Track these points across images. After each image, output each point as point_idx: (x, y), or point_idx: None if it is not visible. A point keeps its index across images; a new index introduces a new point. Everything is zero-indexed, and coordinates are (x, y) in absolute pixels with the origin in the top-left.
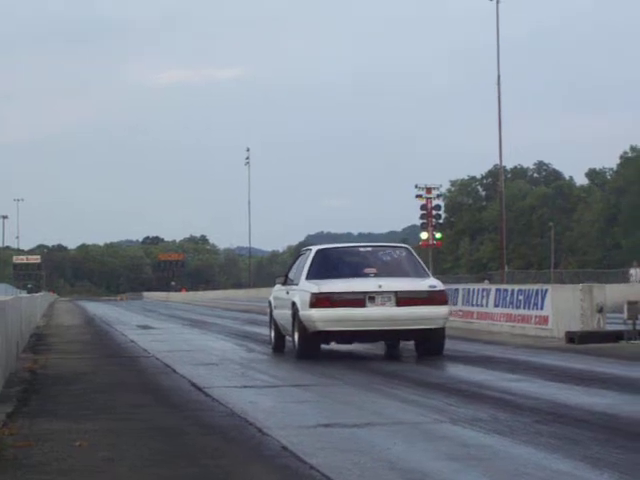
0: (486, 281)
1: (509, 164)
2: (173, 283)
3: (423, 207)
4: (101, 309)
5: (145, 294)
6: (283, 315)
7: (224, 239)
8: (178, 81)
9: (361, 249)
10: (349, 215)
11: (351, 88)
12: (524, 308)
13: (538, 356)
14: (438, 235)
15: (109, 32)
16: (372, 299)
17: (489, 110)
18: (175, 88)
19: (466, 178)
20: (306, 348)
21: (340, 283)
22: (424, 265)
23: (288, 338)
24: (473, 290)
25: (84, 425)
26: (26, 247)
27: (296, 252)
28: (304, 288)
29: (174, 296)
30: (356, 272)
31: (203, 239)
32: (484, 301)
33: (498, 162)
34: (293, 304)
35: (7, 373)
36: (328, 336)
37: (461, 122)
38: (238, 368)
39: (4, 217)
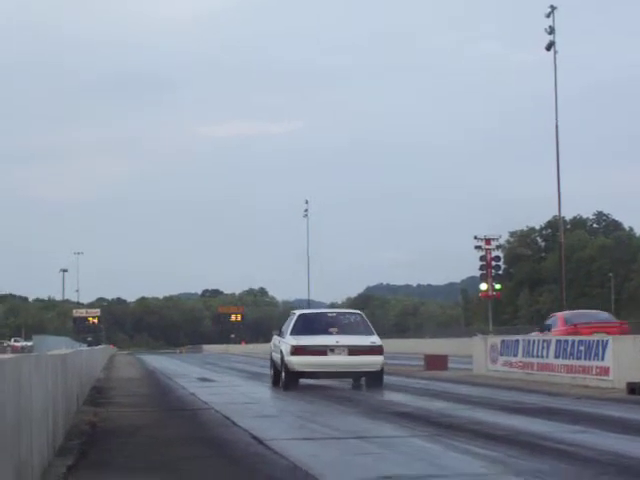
0: (546, 332)
1: (568, 215)
2: (232, 335)
3: (482, 258)
4: (161, 362)
5: (205, 347)
6: (277, 358)
7: (283, 291)
8: (236, 134)
9: (328, 314)
10: (408, 266)
11: (407, 141)
12: (585, 359)
13: (599, 407)
14: (497, 286)
15: (166, 86)
16: (332, 350)
17: (548, 160)
18: (232, 141)
19: (525, 229)
20: (288, 382)
21: (311, 339)
22: (371, 326)
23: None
24: (533, 341)
25: (143, 478)
26: (86, 300)
27: (351, 304)
28: (288, 341)
29: (233, 348)
30: (324, 330)
31: (262, 291)
32: (544, 352)
33: (557, 213)
34: (281, 351)
35: (68, 426)
36: (303, 374)
37: (519, 172)
38: (298, 420)
39: (64, 270)
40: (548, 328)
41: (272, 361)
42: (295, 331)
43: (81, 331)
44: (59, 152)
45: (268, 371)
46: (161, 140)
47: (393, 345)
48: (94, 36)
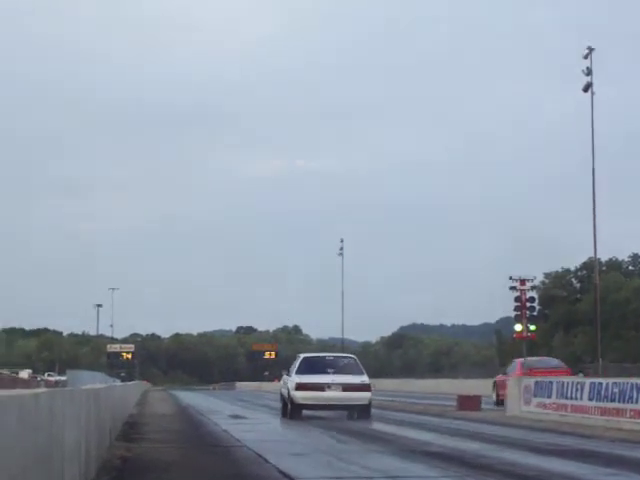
0: (580, 374)
1: (604, 256)
2: (266, 373)
3: (517, 299)
4: (194, 398)
5: (238, 384)
6: (285, 393)
7: (317, 329)
8: (271, 172)
9: (327, 357)
10: (442, 306)
11: (445, 183)
12: (619, 402)
13: (633, 450)
14: (532, 327)
15: (202, 121)
16: (329, 387)
17: (584, 201)
18: (268, 179)
19: (560, 270)
20: (293, 413)
21: (312, 377)
22: (362, 367)
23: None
24: (567, 383)
25: None
26: (120, 336)
27: (385, 343)
28: (293, 379)
29: (267, 386)
30: (322, 370)
31: (296, 329)
32: (578, 394)
33: (593, 255)
34: (288, 388)
35: (100, 460)
36: (305, 406)
37: (555, 213)
38: (329, 458)
39: (99, 306)
40: (508, 372)
41: (281, 395)
42: (299, 371)
43: (115, 366)
44: (95, 187)
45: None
46: (196, 176)
47: (427, 385)
48: (143, 71)
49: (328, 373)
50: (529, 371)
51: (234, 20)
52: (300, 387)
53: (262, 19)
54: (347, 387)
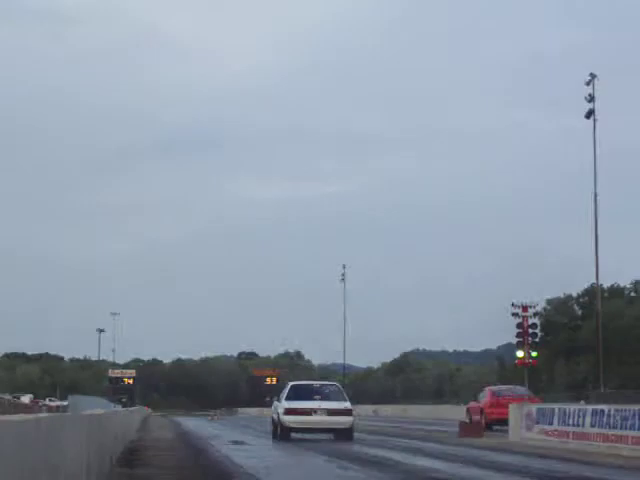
0: (582, 401)
1: (606, 282)
2: (268, 399)
3: (519, 325)
4: (194, 424)
5: (239, 409)
6: (275, 417)
7: (319, 355)
8: (273, 198)
9: (314, 385)
10: (444, 332)
11: (447, 208)
12: (621, 428)
13: (633, 476)
14: (534, 354)
15: (208, 148)
16: (315, 412)
17: (584, 226)
18: (270, 204)
19: (562, 296)
20: (283, 435)
21: (300, 403)
22: (344, 394)
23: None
24: (569, 410)
25: None
26: (121, 360)
27: (387, 369)
28: (282, 405)
29: (268, 412)
30: (309, 397)
31: (298, 355)
32: (580, 421)
33: (595, 280)
34: (278, 412)
35: None
36: (293, 430)
37: (558, 238)
38: None
39: (101, 331)
40: (479, 398)
41: (272, 419)
42: (288, 397)
43: (116, 391)
44: (96, 213)
45: (301, 435)
46: (198, 202)
47: (429, 411)
48: (137, 98)
49: (314, 399)
50: (498, 399)
51: (237, 47)
52: (289, 412)
53: (265, 47)
54: (332, 412)
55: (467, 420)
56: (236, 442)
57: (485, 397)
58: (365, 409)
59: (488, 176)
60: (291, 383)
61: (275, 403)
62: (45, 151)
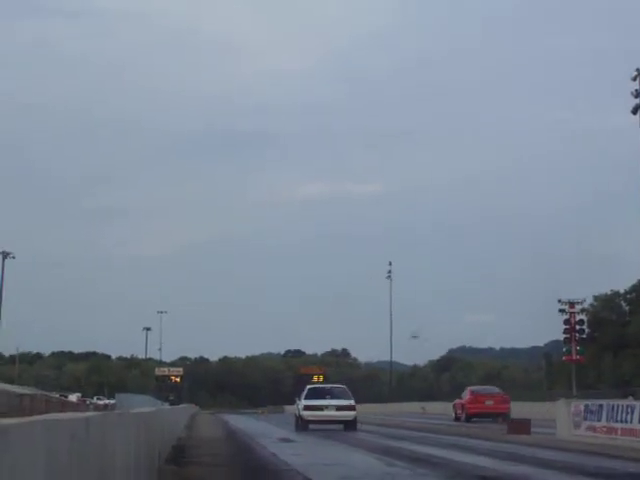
0: (630, 397)
1: None
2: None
3: (566, 322)
4: (242, 422)
5: (286, 407)
6: (297, 412)
7: (366, 353)
8: (318, 193)
9: (325, 387)
10: (491, 329)
11: (493, 204)
12: None
13: None
14: (581, 350)
15: (245, 145)
16: (327, 408)
17: (632, 222)
18: (316, 200)
19: (609, 293)
20: (302, 427)
21: (315, 401)
22: (350, 393)
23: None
24: (617, 406)
25: None
26: (168, 359)
27: (433, 366)
28: (302, 403)
29: None
30: (322, 396)
31: (344, 352)
32: (628, 417)
33: None
34: (299, 409)
35: None
36: (310, 422)
37: (604, 233)
38: None
39: (147, 329)
40: (463, 397)
41: (295, 415)
42: (306, 397)
43: (163, 390)
44: (143, 211)
45: (350, 433)
46: (243, 202)
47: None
48: (188, 92)
49: (326, 398)
50: (476, 396)
51: (277, 45)
52: (306, 408)
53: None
54: (339, 408)
55: (453, 415)
56: (283, 439)
57: (466, 395)
58: (412, 406)
59: (534, 170)
60: (309, 386)
61: (297, 402)
62: (89, 147)
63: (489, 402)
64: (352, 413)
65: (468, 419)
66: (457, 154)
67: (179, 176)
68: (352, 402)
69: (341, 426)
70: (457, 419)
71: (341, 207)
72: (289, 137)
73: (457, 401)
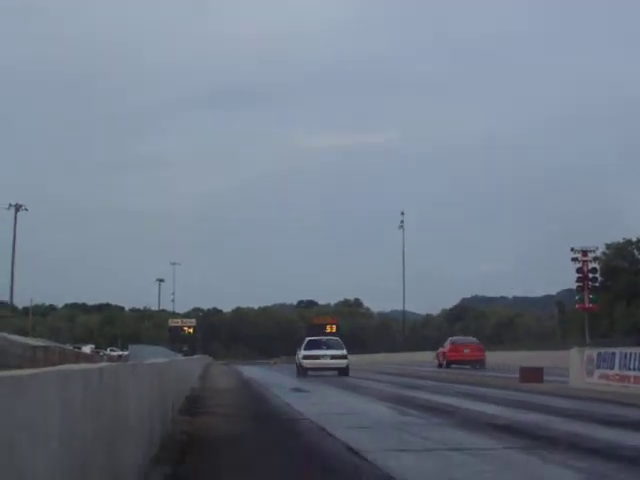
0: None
1: None
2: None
3: (579, 270)
4: (255, 372)
5: None
6: (297, 361)
7: (378, 302)
8: (330, 145)
9: (322, 339)
10: (504, 278)
11: (507, 150)
12: None
13: None
14: (594, 298)
15: (262, 97)
16: (323, 357)
17: None
18: (327, 152)
19: (622, 241)
20: (302, 373)
21: (312, 352)
22: (343, 344)
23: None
24: (630, 354)
25: None
26: (181, 310)
27: (446, 316)
28: (302, 353)
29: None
30: (319, 347)
31: (357, 302)
32: None
33: None
34: (299, 358)
35: (164, 434)
36: (308, 369)
37: (616, 185)
38: (392, 431)
39: (161, 280)
40: (444, 345)
41: (296, 363)
42: (305, 348)
43: (176, 341)
44: (156, 162)
45: (363, 383)
46: (256, 152)
47: (489, 357)
48: (190, 51)
49: (322, 349)
50: (455, 346)
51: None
52: (305, 357)
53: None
54: (333, 357)
55: (437, 362)
56: (296, 389)
57: (447, 345)
58: (425, 355)
59: (548, 123)
60: (307, 338)
61: (297, 352)
62: (107, 102)
63: (467, 350)
64: (345, 361)
65: (448, 365)
66: (475, 108)
67: (193, 129)
68: (344, 352)
69: (338, 373)
70: (440, 366)
71: (354, 157)
72: (303, 89)
73: (440, 350)
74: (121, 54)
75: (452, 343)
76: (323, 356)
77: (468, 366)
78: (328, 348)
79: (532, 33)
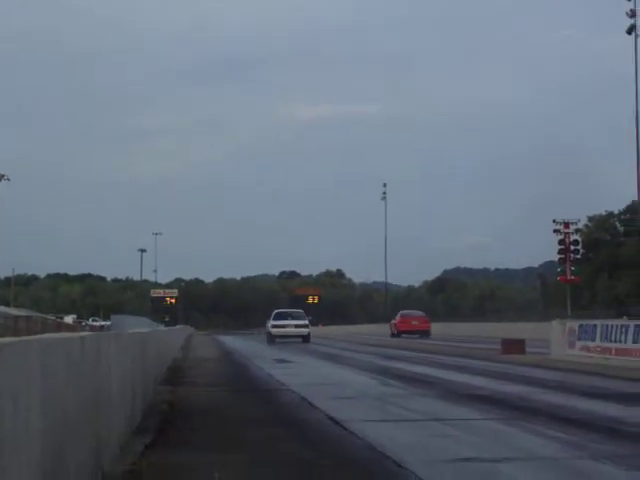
0: (625, 317)
1: None
2: (309, 318)
3: (561, 242)
4: (238, 343)
5: None
6: (267, 329)
7: (360, 273)
8: (314, 117)
9: (287, 311)
10: (486, 250)
11: (489, 121)
12: None
13: None
14: (576, 270)
15: (254, 68)
16: (288, 326)
17: (627, 144)
18: (311, 123)
19: (604, 214)
20: (271, 340)
21: (280, 322)
22: (305, 315)
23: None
24: (612, 326)
25: (220, 457)
26: (164, 281)
27: (428, 287)
28: (271, 322)
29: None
30: (285, 318)
31: (339, 273)
32: (622, 337)
33: (636, 198)
34: (268, 327)
35: (145, 405)
36: (277, 337)
37: (598, 156)
38: (375, 402)
39: (142, 251)
40: (396, 318)
41: (266, 332)
42: (274, 318)
43: (159, 311)
44: (140, 133)
45: (345, 353)
46: (242, 123)
47: (469, 329)
48: (185, 21)
49: (287, 319)
50: (404, 318)
51: None
52: (274, 326)
53: None
54: (297, 326)
55: (390, 332)
56: (279, 360)
57: (398, 317)
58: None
59: (525, 90)
60: (275, 311)
61: (267, 322)
62: (103, 74)
63: (415, 322)
64: (306, 330)
65: (399, 335)
66: (461, 78)
67: (182, 101)
68: (306, 322)
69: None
70: (392, 335)
71: (339, 128)
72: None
73: (392, 321)
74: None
75: (402, 316)
76: (288, 325)
77: (417, 335)
78: (292, 319)
79: None
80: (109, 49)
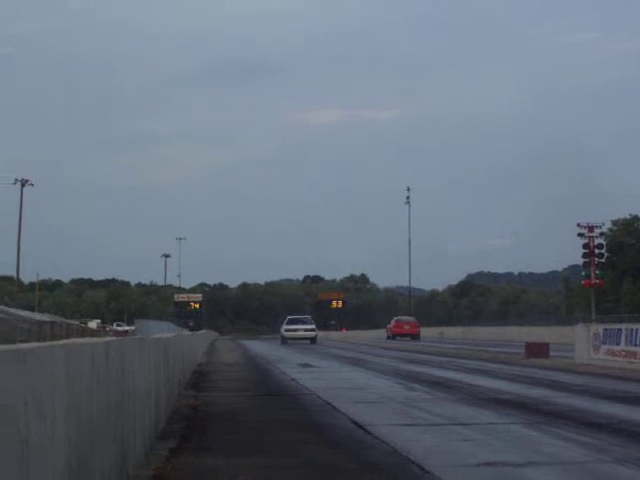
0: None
1: None
2: (333, 322)
3: (585, 246)
4: (261, 347)
5: None
6: (281, 333)
7: (384, 278)
8: (336, 121)
9: (298, 317)
10: (510, 254)
11: (512, 127)
12: None
13: None
14: (601, 274)
15: (268, 73)
16: (298, 330)
17: None
18: (333, 128)
19: (628, 217)
20: (284, 342)
21: (291, 326)
22: (313, 321)
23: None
24: (636, 330)
25: (244, 461)
26: (187, 285)
27: (452, 292)
28: (284, 327)
29: (334, 335)
30: (296, 323)
31: (363, 278)
32: None
33: None
34: (281, 330)
35: (169, 409)
36: (289, 339)
37: (622, 160)
38: (399, 406)
39: (167, 256)
40: (391, 323)
41: (280, 335)
42: (286, 323)
43: (182, 316)
44: (161, 138)
45: (368, 357)
46: (262, 128)
47: (493, 332)
48: (194, 26)
49: (298, 324)
50: (398, 323)
51: None
52: (287, 330)
53: None
54: (306, 330)
55: (386, 335)
56: (303, 365)
57: (393, 322)
58: (431, 331)
59: (553, 99)
60: (288, 317)
61: (281, 326)
62: (122, 77)
63: (407, 327)
64: (313, 333)
65: (393, 337)
66: (476, 84)
67: (199, 104)
68: (314, 326)
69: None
70: (388, 338)
71: (360, 133)
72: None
73: (388, 326)
74: (119, 29)
75: (396, 321)
76: (298, 329)
77: (408, 337)
78: (302, 324)
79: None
80: (129, 52)
